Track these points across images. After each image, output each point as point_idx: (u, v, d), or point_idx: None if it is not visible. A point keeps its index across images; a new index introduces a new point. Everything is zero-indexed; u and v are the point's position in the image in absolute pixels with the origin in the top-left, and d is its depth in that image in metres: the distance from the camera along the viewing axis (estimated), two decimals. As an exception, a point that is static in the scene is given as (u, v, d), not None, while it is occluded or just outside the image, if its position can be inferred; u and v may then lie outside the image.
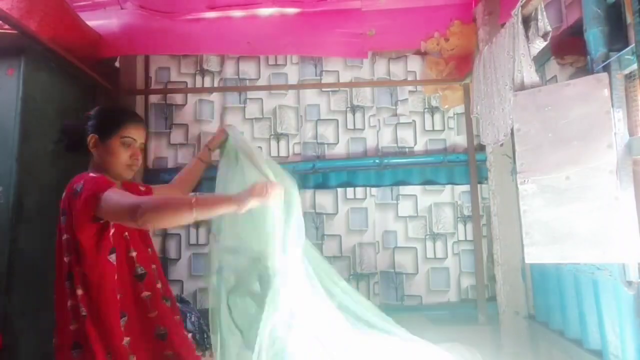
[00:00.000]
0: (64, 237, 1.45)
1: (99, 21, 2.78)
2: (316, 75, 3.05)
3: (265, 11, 2.85)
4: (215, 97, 3.08)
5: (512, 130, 1.87)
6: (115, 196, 1.35)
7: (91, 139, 1.55)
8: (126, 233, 1.51)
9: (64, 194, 1.47)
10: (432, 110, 2.99)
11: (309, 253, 1.70)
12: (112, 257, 1.43)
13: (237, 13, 2.85)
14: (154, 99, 3.07)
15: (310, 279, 1.64)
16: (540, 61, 2.20)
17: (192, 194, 1.94)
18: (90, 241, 1.39)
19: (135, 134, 1.58)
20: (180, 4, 2.81)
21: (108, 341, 1.38)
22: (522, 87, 1.79)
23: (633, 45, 1.43)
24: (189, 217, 1.30)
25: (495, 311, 2.55)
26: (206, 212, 1.35)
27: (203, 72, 3.09)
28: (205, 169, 1.94)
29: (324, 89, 3.03)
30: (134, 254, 1.51)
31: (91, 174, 1.45)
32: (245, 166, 1.70)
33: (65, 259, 1.46)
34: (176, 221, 1.35)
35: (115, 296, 1.41)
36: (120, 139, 1.55)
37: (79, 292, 1.41)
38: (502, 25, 2.07)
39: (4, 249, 2.06)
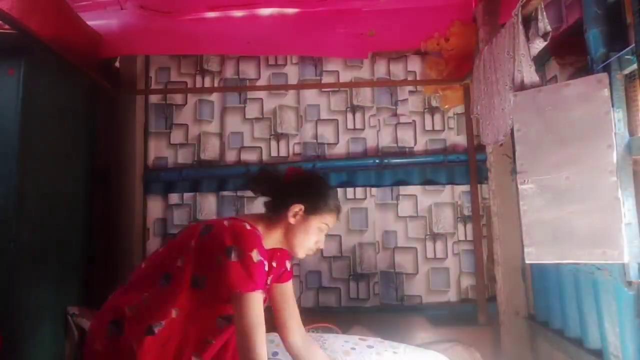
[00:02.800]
0: (193, 246, 1.32)
1: (99, 21, 2.78)
2: (316, 75, 3.05)
3: (265, 11, 2.85)
4: (215, 97, 3.08)
5: (512, 130, 1.87)
6: (254, 317, 1.23)
7: (297, 208, 1.40)
8: None
9: (227, 223, 1.33)
10: (432, 110, 2.99)
11: None
12: None
13: (237, 13, 2.85)
14: (154, 99, 3.07)
15: None
16: (540, 61, 2.20)
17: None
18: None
19: (332, 224, 1.50)
20: (180, 4, 2.81)
21: None
22: (522, 87, 1.79)
23: (633, 45, 1.43)
24: None
25: (495, 311, 2.56)
26: None
27: (203, 72, 3.09)
28: None
29: (324, 89, 3.03)
30: None
31: (258, 257, 1.26)
32: None
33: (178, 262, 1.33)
34: None
35: None
36: (322, 223, 1.46)
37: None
38: (502, 25, 2.07)
39: (4, 248, 2.06)
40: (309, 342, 1.64)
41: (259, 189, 1.45)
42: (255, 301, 1.24)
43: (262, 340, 1.24)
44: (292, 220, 1.40)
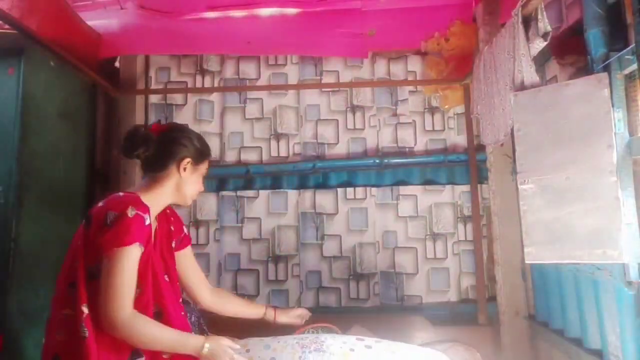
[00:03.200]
0: (79, 243, 1.40)
1: (99, 21, 2.78)
2: (316, 75, 3.05)
3: (265, 11, 2.84)
4: (215, 97, 3.08)
5: (512, 130, 1.87)
6: (123, 274, 1.27)
7: (186, 162, 1.50)
8: None
9: (100, 204, 1.41)
10: (432, 110, 2.99)
11: None
12: None
13: (237, 13, 2.85)
14: (154, 99, 3.07)
15: None
16: (540, 61, 2.20)
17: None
18: None
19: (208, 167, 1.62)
20: (180, 4, 2.81)
21: None
22: (522, 87, 1.79)
23: (633, 45, 1.43)
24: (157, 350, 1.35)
25: (495, 311, 2.55)
26: (175, 351, 1.38)
27: (203, 72, 3.09)
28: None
29: (324, 89, 3.03)
30: None
31: (132, 211, 1.32)
32: None
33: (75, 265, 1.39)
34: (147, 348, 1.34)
35: None
36: (205, 169, 1.58)
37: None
38: (502, 25, 2.07)
39: (4, 248, 2.06)
40: (218, 293, 1.81)
41: (136, 152, 1.47)
42: (126, 255, 1.28)
43: (128, 302, 1.26)
44: (183, 174, 1.50)
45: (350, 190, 2.93)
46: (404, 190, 2.91)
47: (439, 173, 2.91)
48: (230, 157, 3.01)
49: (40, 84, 2.30)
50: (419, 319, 2.64)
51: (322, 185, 2.95)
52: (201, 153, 1.55)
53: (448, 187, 2.89)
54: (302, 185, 2.93)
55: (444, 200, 2.88)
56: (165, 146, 1.49)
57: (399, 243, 2.87)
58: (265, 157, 3.01)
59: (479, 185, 2.82)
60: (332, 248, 2.88)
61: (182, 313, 1.55)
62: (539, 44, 1.75)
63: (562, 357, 2.05)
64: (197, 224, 2.95)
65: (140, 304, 1.34)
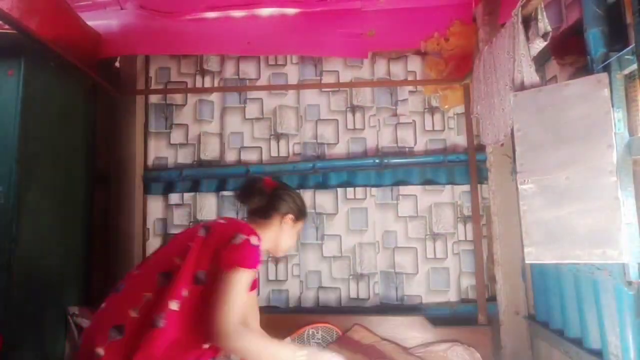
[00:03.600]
0: (191, 245, 1.46)
1: (99, 21, 2.78)
2: (316, 75, 3.05)
3: (265, 11, 2.85)
4: (215, 97, 3.08)
5: (512, 130, 1.87)
6: (241, 292, 1.38)
7: (288, 217, 1.69)
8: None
9: (222, 221, 1.56)
10: (432, 110, 2.99)
11: None
12: None
13: (237, 13, 2.85)
14: (154, 99, 3.07)
15: None
16: (540, 61, 2.20)
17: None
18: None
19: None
20: (180, 4, 2.81)
21: None
22: (522, 87, 1.79)
23: (633, 45, 1.43)
24: None
25: (495, 311, 2.55)
26: None
27: (203, 72, 3.09)
28: None
29: (324, 89, 3.03)
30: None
31: (256, 241, 1.46)
32: None
33: (175, 261, 1.45)
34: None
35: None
36: (301, 227, 1.79)
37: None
38: (502, 25, 2.07)
39: (4, 248, 2.06)
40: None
41: (249, 202, 1.68)
42: (246, 277, 1.40)
43: (237, 314, 1.36)
44: (284, 227, 1.68)
45: (350, 190, 2.93)
46: (404, 190, 2.91)
47: (439, 173, 2.91)
48: (230, 157, 3.01)
49: (40, 85, 2.30)
50: (419, 319, 2.64)
51: (322, 185, 2.95)
52: (301, 213, 1.75)
53: (448, 187, 2.89)
54: (302, 185, 2.93)
55: (444, 200, 2.88)
56: (275, 201, 1.68)
57: (399, 243, 2.87)
58: (265, 157, 3.01)
59: (479, 185, 2.82)
60: (332, 248, 2.88)
61: None
62: (539, 44, 1.75)
63: (562, 357, 2.05)
64: (197, 224, 2.94)
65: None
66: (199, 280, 1.40)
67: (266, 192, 1.68)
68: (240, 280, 1.38)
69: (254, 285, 1.77)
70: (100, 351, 1.30)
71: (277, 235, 1.67)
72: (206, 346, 1.43)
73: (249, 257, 1.41)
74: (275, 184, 1.75)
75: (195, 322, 1.39)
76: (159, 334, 1.32)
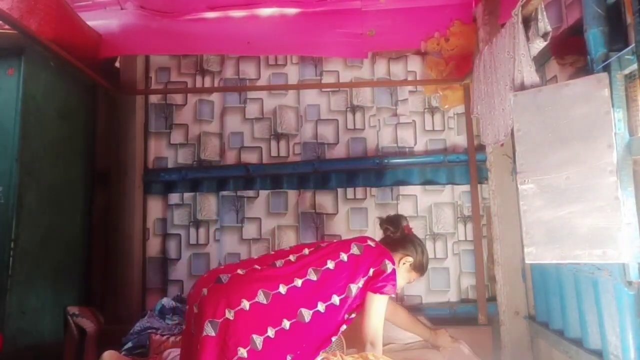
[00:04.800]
0: (348, 262, 1.74)
1: (99, 21, 2.78)
2: (316, 75, 3.05)
3: (265, 11, 2.85)
4: (215, 97, 3.08)
5: (512, 130, 1.87)
6: (384, 314, 1.75)
7: (408, 259, 1.92)
8: None
9: (372, 244, 1.84)
10: (432, 110, 2.99)
11: None
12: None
13: (237, 13, 2.85)
14: (154, 99, 3.07)
15: None
16: (540, 61, 2.20)
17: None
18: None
19: (418, 279, 2.04)
20: (180, 4, 2.81)
21: None
22: (522, 87, 1.79)
23: (633, 45, 1.43)
24: None
25: (495, 311, 2.55)
26: None
27: (203, 72, 3.09)
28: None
29: (324, 89, 3.03)
30: None
31: (400, 273, 1.84)
32: None
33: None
34: None
35: None
36: (413, 278, 1.99)
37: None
38: (502, 25, 2.07)
39: (4, 248, 2.06)
40: None
41: (391, 229, 1.99)
42: (386, 303, 1.76)
43: (381, 332, 1.74)
44: (398, 264, 1.87)
45: (350, 190, 2.93)
46: (404, 190, 2.91)
47: (439, 173, 2.91)
48: (230, 157, 3.01)
49: (40, 85, 2.30)
50: (419, 319, 2.63)
51: (322, 185, 2.95)
52: (421, 265, 1.95)
53: (448, 187, 2.89)
54: (302, 186, 2.93)
55: (444, 200, 2.88)
56: (407, 240, 1.96)
57: (399, 243, 2.86)
58: (265, 158, 3.01)
59: (479, 185, 2.82)
60: (332, 248, 2.88)
61: None
62: (539, 44, 1.75)
63: (562, 357, 2.04)
64: (197, 224, 2.95)
65: None
66: (350, 292, 1.68)
67: (404, 231, 1.99)
68: (382, 305, 1.72)
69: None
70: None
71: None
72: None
73: (393, 284, 1.73)
74: (412, 232, 2.05)
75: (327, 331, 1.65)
76: (309, 330, 1.57)
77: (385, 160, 2.91)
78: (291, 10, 2.84)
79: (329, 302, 1.64)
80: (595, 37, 1.61)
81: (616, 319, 1.60)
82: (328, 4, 2.80)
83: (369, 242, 1.83)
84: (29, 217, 2.17)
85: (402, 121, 2.98)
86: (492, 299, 2.65)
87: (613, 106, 1.52)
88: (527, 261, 1.75)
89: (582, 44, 1.69)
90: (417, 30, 2.86)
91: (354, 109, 3.01)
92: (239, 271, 1.59)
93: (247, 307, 1.48)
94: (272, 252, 1.91)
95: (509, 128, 1.94)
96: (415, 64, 3.01)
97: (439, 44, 2.86)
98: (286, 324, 1.52)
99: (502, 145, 2.23)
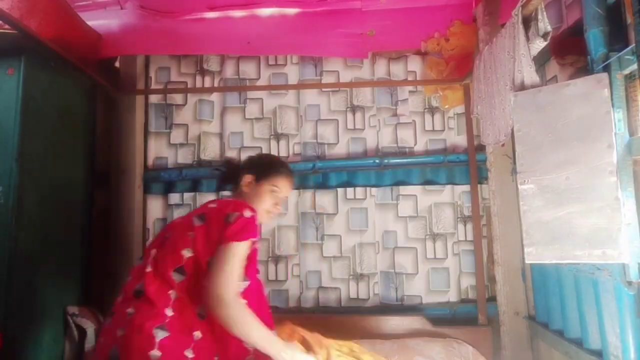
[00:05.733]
0: (193, 235, 1.52)
1: (99, 21, 2.78)
2: (316, 75, 3.05)
3: (265, 11, 2.85)
4: (215, 97, 3.08)
5: (512, 130, 1.87)
6: (237, 264, 1.46)
7: (247, 178, 1.74)
8: None
9: (213, 205, 1.61)
10: (432, 110, 2.99)
11: None
12: None
13: (237, 13, 2.85)
14: (154, 99, 3.07)
15: None
16: (540, 61, 2.20)
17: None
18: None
19: (283, 187, 1.77)
20: (180, 4, 2.81)
21: None
22: (522, 87, 1.79)
23: (633, 45, 1.43)
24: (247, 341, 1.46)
25: (495, 311, 2.56)
26: (260, 348, 1.47)
27: (203, 72, 3.09)
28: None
29: (324, 89, 3.03)
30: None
31: (249, 213, 1.54)
32: None
33: (184, 254, 1.51)
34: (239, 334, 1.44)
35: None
36: (272, 186, 1.74)
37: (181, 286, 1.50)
38: (502, 25, 2.07)
39: (4, 248, 2.06)
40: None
41: (227, 181, 1.82)
42: (241, 249, 1.47)
43: (235, 286, 1.44)
44: (245, 189, 1.73)
45: (350, 190, 2.93)
46: (404, 190, 2.91)
47: (439, 173, 2.91)
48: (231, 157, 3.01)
49: (40, 84, 2.30)
50: (419, 319, 2.64)
51: (322, 185, 2.95)
52: (269, 167, 1.78)
53: (448, 187, 2.89)
54: (302, 185, 2.93)
55: (443, 200, 2.88)
56: (239, 166, 1.86)
57: (399, 243, 2.87)
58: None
59: (479, 186, 2.82)
60: (332, 248, 2.88)
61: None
62: (539, 44, 1.75)
63: (562, 358, 2.05)
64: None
65: (245, 295, 1.48)
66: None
67: (232, 162, 1.88)
68: (233, 253, 1.44)
69: (254, 260, 1.66)
70: (157, 352, 1.35)
71: (251, 201, 1.68)
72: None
73: (242, 229, 1.48)
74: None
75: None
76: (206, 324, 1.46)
77: (385, 160, 2.91)
78: (291, 10, 2.84)
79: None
80: (595, 37, 1.61)
81: (616, 319, 1.60)
82: (328, 4, 2.80)
83: (210, 205, 1.62)
84: (29, 217, 2.17)
85: (402, 121, 2.98)
86: (492, 299, 2.65)
87: (613, 106, 1.52)
88: (527, 261, 1.75)
89: (582, 44, 1.69)
90: (417, 30, 2.86)
91: (354, 109, 3.01)
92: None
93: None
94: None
95: (509, 128, 1.94)
96: (415, 64, 3.01)
97: (439, 44, 2.86)
98: None
99: (502, 145, 2.23)
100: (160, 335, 1.38)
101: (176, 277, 1.47)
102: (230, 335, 1.44)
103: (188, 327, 1.45)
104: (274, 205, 1.76)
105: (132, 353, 1.35)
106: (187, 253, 1.50)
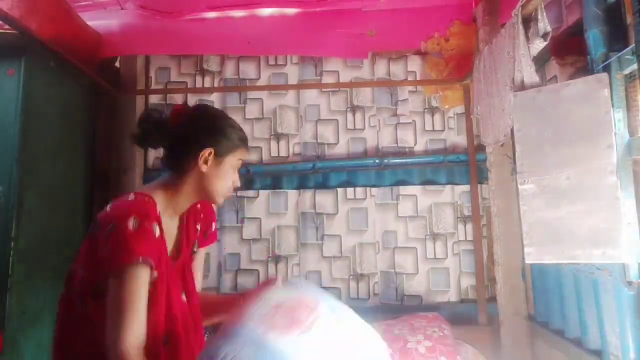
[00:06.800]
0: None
1: (100, 21, 2.78)
2: (316, 75, 3.05)
3: (265, 11, 2.85)
4: (215, 97, 3.08)
5: (512, 130, 1.87)
6: (130, 302, 1.04)
7: (207, 153, 1.23)
8: None
9: (107, 209, 1.17)
10: (432, 110, 2.99)
11: None
12: None
13: (237, 13, 2.85)
14: (154, 99, 3.07)
15: None
16: (540, 61, 2.20)
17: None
18: None
19: (245, 156, 1.33)
20: (180, 4, 2.81)
21: None
22: (522, 87, 1.79)
23: (633, 45, 1.43)
24: None
25: (495, 311, 2.55)
26: None
27: (203, 72, 3.09)
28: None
29: (324, 89, 3.03)
30: None
31: (134, 222, 1.08)
32: None
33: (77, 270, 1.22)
34: None
35: None
36: (236, 160, 1.29)
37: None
38: (502, 25, 2.07)
39: (4, 248, 2.05)
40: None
41: (149, 140, 1.26)
42: (129, 275, 1.05)
43: (132, 326, 1.03)
44: (204, 168, 1.23)
45: (350, 190, 2.93)
46: (404, 190, 2.91)
47: (439, 173, 2.91)
48: (230, 157, 3.01)
49: (40, 85, 2.30)
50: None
51: (322, 185, 2.95)
52: (223, 140, 1.28)
53: (448, 187, 2.89)
54: (302, 186, 2.93)
55: (444, 200, 2.88)
56: (187, 128, 1.28)
57: (399, 243, 2.87)
58: (265, 157, 3.01)
59: (479, 185, 2.82)
60: (332, 248, 2.88)
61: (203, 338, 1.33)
62: (539, 44, 1.75)
63: (562, 358, 2.04)
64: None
65: (149, 331, 1.10)
66: (99, 293, 1.10)
67: (169, 126, 1.25)
68: (123, 286, 1.05)
69: (211, 239, 1.44)
70: None
71: (201, 183, 1.25)
72: None
73: (125, 249, 1.05)
74: (182, 109, 1.29)
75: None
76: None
77: (385, 160, 2.91)
78: (291, 10, 2.84)
79: None
80: (595, 37, 1.61)
81: (616, 319, 1.60)
82: (328, 4, 2.80)
83: (106, 207, 1.17)
84: (29, 217, 2.17)
85: (402, 121, 2.98)
86: (492, 299, 2.65)
87: (613, 106, 1.52)
88: (527, 261, 1.75)
89: (582, 44, 1.69)
90: (417, 30, 2.86)
91: (354, 109, 3.01)
92: None
93: None
94: None
95: (509, 128, 1.94)
96: (415, 64, 3.01)
97: (439, 44, 2.86)
98: None
99: (502, 145, 2.23)
100: None
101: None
102: None
103: None
104: (234, 182, 1.31)
105: None
106: (80, 270, 1.16)
